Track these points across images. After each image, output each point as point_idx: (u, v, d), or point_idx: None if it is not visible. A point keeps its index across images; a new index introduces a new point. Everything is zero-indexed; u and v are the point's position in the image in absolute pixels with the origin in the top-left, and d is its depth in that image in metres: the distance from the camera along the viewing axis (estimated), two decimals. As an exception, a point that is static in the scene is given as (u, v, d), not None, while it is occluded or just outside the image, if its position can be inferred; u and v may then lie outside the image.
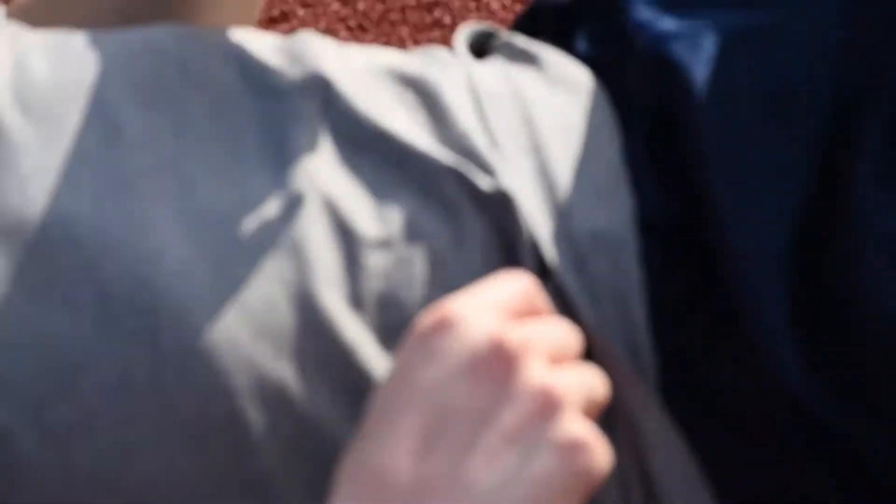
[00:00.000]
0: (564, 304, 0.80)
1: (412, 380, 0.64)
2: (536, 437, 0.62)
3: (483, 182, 0.80)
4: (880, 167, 0.80)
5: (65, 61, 0.81)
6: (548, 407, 0.62)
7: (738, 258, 0.80)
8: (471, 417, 0.62)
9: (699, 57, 0.84)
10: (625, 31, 0.90)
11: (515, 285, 0.67)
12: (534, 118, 0.84)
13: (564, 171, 0.82)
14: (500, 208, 0.81)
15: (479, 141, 0.82)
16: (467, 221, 0.80)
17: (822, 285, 0.80)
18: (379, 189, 0.80)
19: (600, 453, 0.62)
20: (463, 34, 0.93)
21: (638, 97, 0.86)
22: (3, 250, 0.75)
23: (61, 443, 0.73)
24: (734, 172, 0.81)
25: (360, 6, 1.73)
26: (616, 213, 0.82)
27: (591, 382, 0.66)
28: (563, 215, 0.81)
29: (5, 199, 0.76)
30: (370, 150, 0.81)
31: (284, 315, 0.76)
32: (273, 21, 1.72)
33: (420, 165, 0.81)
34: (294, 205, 0.78)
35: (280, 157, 0.80)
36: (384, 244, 0.79)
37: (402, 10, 1.73)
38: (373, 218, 0.79)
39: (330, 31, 1.72)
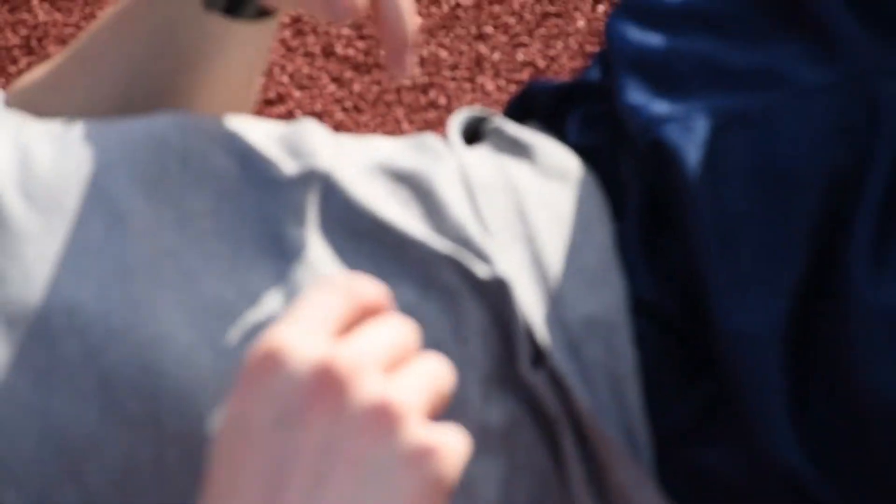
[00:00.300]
0: (559, 389, 0.80)
1: (247, 425, 0.62)
2: (382, 457, 0.60)
3: (480, 269, 0.81)
4: (872, 246, 0.80)
5: (68, 151, 0.82)
6: (385, 422, 0.61)
7: (733, 339, 0.80)
8: (313, 453, 0.61)
9: (692, 139, 0.85)
10: (617, 115, 0.90)
11: (337, 293, 0.65)
12: (526, 208, 0.85)
13: (557, 259, 0.83)
14: (496, 295, 0.81)
15: (474, 231, 0.82)
16: (466, 309, 0.80)
17: (818, 364, 0.80)
18: (378, 278, 0.80)
19: (448, 452, 0.61)
20: (456, 120, 0.93)
21: (630, 181, 0.87)
22: (8, 338, 0.75)
23: None
24: (728, 254, 0.82)
25: (356, 88, 1.74)
26: (608, 298, 0.82)
27: (432, 376, 0.64)
28: (556, 302, 0.81)
29: (10, 288, 0.76)
30: (368, 240, 0.81)
31: None
32: (269, 103, 1.73)
33: (418, 254, 0.81)
34: (295, 294, 0.78)
35: (279, 248, 0.80)
36: None
37: (398, 91, 1.74)
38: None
39: (326, 113, 1.72)
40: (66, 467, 0.74)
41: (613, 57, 0.92)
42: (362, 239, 0.82)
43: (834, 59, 0.86)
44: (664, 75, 0.89)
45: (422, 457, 0.61)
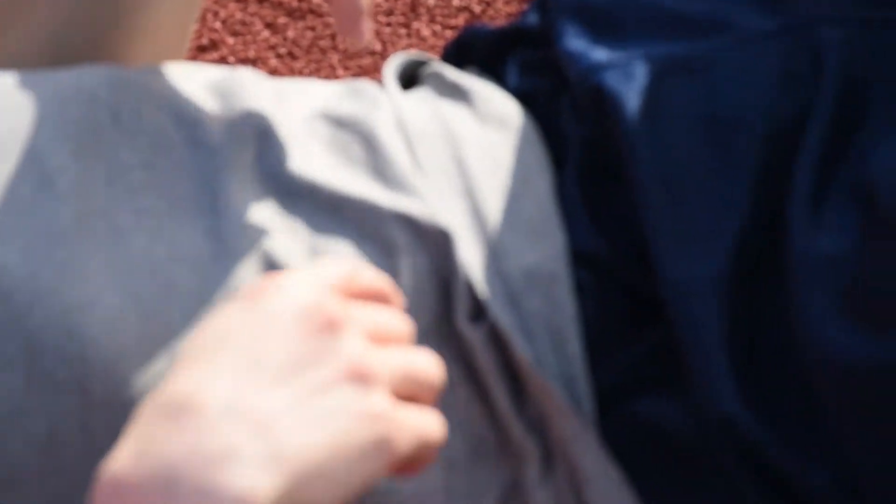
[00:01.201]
0: (500, 342, 0.80)
1: (231, 324, 0.65)
2: (341, 399, 0.63)
3: (421, 220, 0.80)
4: (812, 197, 0.80)
5: None
6: (357, 378, 0.64)
7: (676, 288, 0.80)
8: (285, 362, 0.63)
9: (632, 86, 0.84)
10: (556, 62, 0.89)
11: (340, 267, 0.68)
12: (464, 158, 0.84)
13: (496, 209, 0.82)
14: (437, 247, 0.80)
15: (414, 180, 0.81)
16: (404, 261, 0.80)
17: (761, 316, 0.80)
18: (314, 235, 0.79)
19: (406, 429, 0.64)
20: (393, 65, 0.92)
21: (570, 129, 0.86)
22: None
23: None
24: (670, 202, 0.81)
25: (290, 34, 1.72)
26: (549, 249, 0.82)
27: (415, 363, 0.67)
28: (495, 254, 0.81)
29: None
30: (303, 198, 0.80)
31: None
32: (202, 49, 1.71)
33: (355, 210, 0.80)
34: (228, 254, 0.77)
35: (214, 207, 0.79)
36: None
37: (332, 37, 1.72)
38: (308, 263, 0.78)
39: (260, 59, 1.70)
40: None
41: (552, 2, 0.91)
42: (297, 197, 0.80)
43: (778, 5, 0.85)
44: (604, 21, 0.88)
45: (376, 418, 0.63)
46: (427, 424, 0.66)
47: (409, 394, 0.67)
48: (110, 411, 0.73)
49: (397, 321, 0.68)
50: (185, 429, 0.61)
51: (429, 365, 0.67)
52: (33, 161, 0.78)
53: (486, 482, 0.80)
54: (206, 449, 0.60)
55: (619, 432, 0.81)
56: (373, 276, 0.69)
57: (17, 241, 0.75)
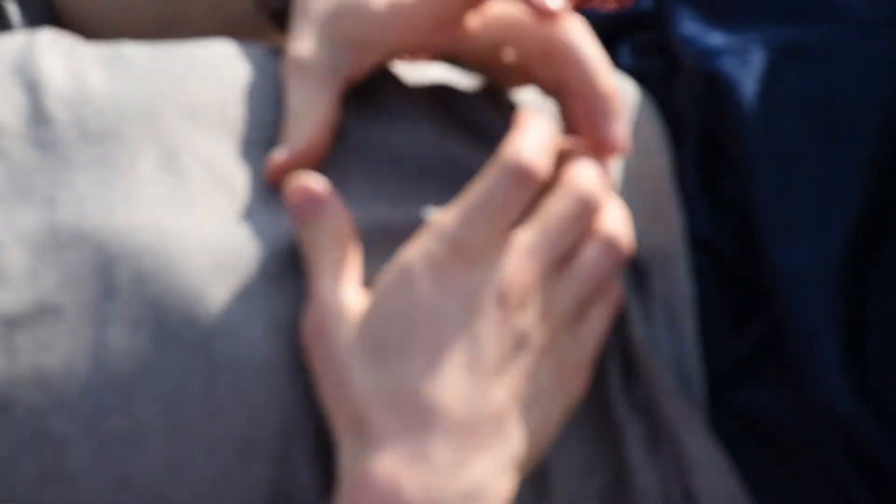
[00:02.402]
0: (618, 318, 0.80)
1: (432, 305, 0.69)
2: (547, 379, 0.71)
3: None
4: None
5: (122, 77, 0.81)
6: (554, 351, 0.71)
7: (785, 277, 0.79)
8: (497, 355, 0.68)
9: (748, 72, 0.83)
10: (671, 46, 0.89)
11: (544, 129, 0.72)
12: None
13: (615, 185, 0.82)
14: None
15: None
16: None
17: (874, 306, 0.79)
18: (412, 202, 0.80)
19: (589, 368, 0.74)
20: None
21: (685, 112, 0.86)
22: (59, 264, 0.75)
23: (115, 453, 0.73)
24: (782, 189, 0.81)
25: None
26: (666, 228, 0.81)
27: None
28: None
29: (62, 214, 0.76)
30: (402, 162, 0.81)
31: None
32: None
33: (469, 175, 0.80)
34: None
35: (334, 175, 0.79)
36: None
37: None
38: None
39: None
40: (117, 394, 0.74)
41: (667, -14, 0.91)
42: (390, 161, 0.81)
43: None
44: (718, 5, 0.88)
45: (574, 378, 0.72)
46: (600, 334, 0.74)
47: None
48: (234, 374, 0.74)
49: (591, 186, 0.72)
50: (438, 442, 0.67)
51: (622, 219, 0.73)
52: (160, 132, 0.79)
53: (592, 461, 0.80)
54: (464, 473, 0.66)
55: (727, 422, 0.81)
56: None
57: (143, 208, 0.77)
